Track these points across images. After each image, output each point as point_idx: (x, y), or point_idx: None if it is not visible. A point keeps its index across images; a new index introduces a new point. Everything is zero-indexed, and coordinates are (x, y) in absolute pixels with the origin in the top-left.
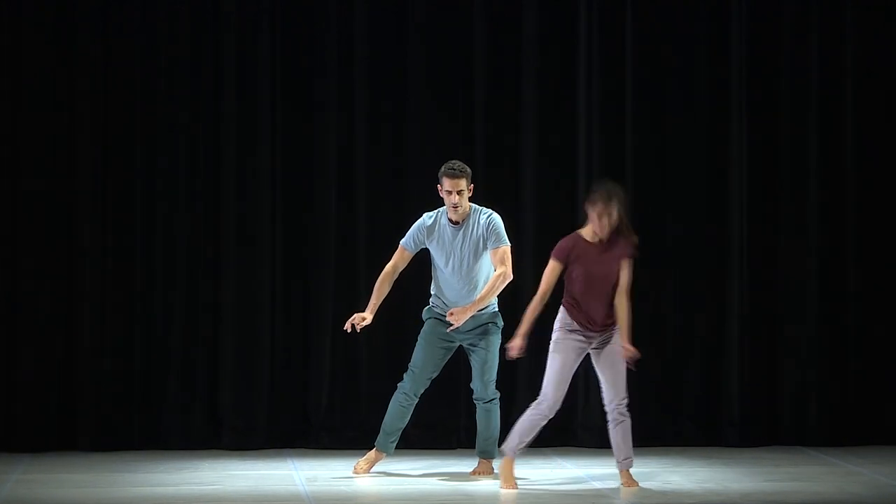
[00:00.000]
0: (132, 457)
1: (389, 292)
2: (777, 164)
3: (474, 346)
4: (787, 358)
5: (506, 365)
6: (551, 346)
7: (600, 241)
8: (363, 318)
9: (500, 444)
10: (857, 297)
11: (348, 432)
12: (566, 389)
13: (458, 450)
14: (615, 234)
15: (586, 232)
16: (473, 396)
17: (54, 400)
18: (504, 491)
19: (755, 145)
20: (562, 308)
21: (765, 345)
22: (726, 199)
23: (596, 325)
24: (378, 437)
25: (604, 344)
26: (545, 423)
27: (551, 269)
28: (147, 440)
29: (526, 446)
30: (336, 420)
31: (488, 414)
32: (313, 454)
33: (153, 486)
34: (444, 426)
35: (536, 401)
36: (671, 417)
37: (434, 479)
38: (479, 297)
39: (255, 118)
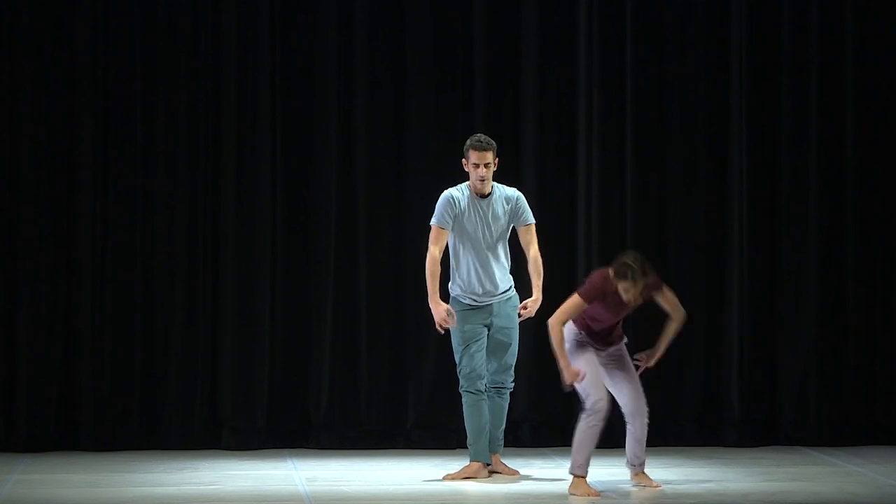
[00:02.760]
0: (132, 457)
1: (391, 293)
2: (778, 163)
3: (507, 328)
4: (788, 358)
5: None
6: (579, 359)
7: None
8: (447, 310)
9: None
10: (857, 296)
11: (348, 432)
12: (605, 387)
13: (458, 450)
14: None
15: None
16: (491, 385)
17: (54, 400)
18: (579, 500)
19: (755, 144)
20: (570, 323)
21: (765, 345)
22: (726, 200)
23: (603, 342)
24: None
25: (614, 358)
26: (603, 425)
27: (576, 305)
28: (147, 440)
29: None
30: (336, 420)
31: (503, 406)
32: (313, 454)
33: (153, 486)
34: (444, 426)
35: (585, 412)
36: (671, 417)
37: (434, 479)
38: (536, 284)
39: (255, 118)
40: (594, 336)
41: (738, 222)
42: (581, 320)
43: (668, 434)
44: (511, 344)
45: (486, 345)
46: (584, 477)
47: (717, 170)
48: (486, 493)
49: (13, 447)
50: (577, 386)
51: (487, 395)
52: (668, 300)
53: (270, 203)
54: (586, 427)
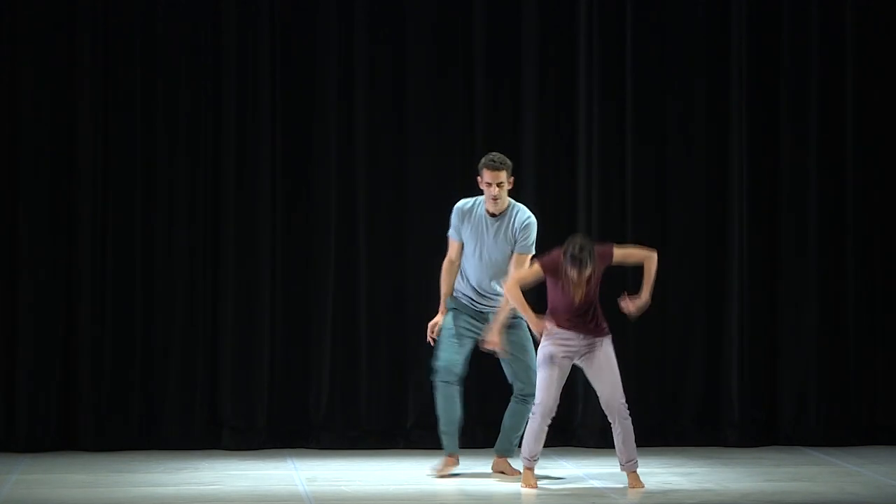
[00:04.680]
0: (132, 457)
1: (391, 294)
2: (777, 164)
3: (515, 342)
4: (787, 359)
5: (500, 362)
6: (539, 355)
7: None
8: (436, 322)
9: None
10: (858, 296)
11: (348, 432)
12: (559, 393)
13: (459, 449)
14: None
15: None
16: (518, 393)
17: (54, 400)
18: (525, 490)
19: (755, 144)
20: (548, 316)
21: (765, 345)
22: (726, 200)
23: (583, 331)
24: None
25: (590, 350)
26: (546, 426)
27: (534, 272)
28: (147, 440)
29: (540, 453)
30: (336, 420)
31: (523, 413)
32: (313, 454)
33: (153, 486)
34: None
35: (532, 410)
36: (671, 417)
37: (434, 479)
38: (498, 313)
39: (255, 118)
40: (572, 325)
41: (739, 222)
42: (558, 311)
43: (668, 434)
44: (517, 354)
45: (471, 346)
46: (531, 469)
47: (716, 170)
48: (486, 493)
49: (13, 447)
50: (538, 383)
51: (514, 401)
52: (629, 256)
53: (270, 203)
54: (531, 425)
